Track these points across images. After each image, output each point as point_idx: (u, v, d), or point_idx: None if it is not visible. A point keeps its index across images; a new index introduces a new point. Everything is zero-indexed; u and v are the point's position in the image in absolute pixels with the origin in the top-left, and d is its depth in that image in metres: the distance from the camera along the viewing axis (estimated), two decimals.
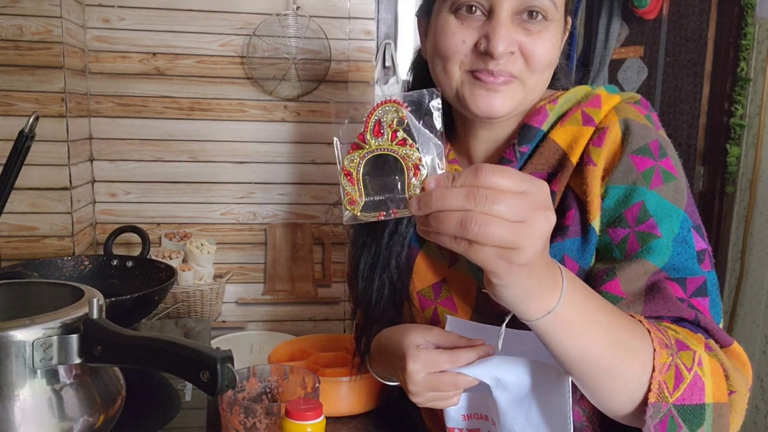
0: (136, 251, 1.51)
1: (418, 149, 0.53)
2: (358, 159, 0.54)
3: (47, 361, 0.68)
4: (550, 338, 0.58)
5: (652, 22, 2.56)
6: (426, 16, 0.79)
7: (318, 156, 1.80)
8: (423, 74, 0.83)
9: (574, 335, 0.58)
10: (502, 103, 0.73)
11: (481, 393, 0.74)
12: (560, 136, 0.75)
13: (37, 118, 1.07)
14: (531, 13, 0.71)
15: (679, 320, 0.68)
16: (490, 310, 0.78)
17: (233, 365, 0.64)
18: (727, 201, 2.27)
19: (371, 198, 0.54)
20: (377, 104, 0.54)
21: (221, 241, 1.79)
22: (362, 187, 0.54)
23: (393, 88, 2.82)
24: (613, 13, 2.67)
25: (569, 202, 0.74)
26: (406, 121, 0.53)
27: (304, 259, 1.84)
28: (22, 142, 1.06)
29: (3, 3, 1.44)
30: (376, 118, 0.53)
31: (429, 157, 0.53)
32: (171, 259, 1.65)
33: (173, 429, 0.97)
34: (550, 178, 0.75)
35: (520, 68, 0.72)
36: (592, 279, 0.73)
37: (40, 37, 1.46)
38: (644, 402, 0.61)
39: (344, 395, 1.06)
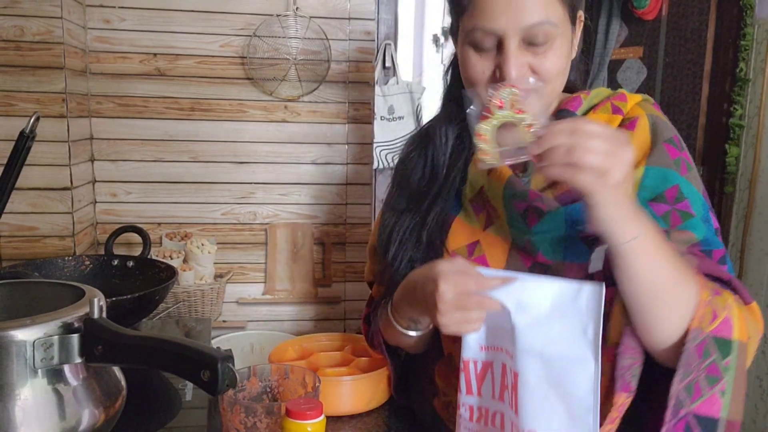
0: (137, 251, 1.52)
1: (528, 115, 0.74)
2: (489, 126, 0.76)
3: (48, 361, 0.68)
4: (632, 261, 0.72)
5: (652, 23, 2.57)
6: (452, 34, 0.92)
7: (318, 156, 1.80)
8: (457, 80, 0.95)
9: (651, 260, 0.72)
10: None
11: (499, 326, 0.80)
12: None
13: (37, 119, 1.07)
14: (536, 40, 0.82)
15: (714, 279, 0.81)
16: (521, 268, 0.88)
17: (234, 365, 0.64)
18: (726, 201, 2.27)
19: (500, 150, 0.75)
20: (498, 86, 0.77)
21: (222, 241, 1.79)
22: (493, 144, 0.76)
23: (393, 88, 2.82)
24: (612, 13, 2.67)
25: None
26: (518, 98, 0.75)
27: (304, 259, 1.84)
28: (23, 143, 1.07)
29: (3, 3, 1.45)
30: (499, 96, 0.76)
31: (537, 121, 0.74)
32: (171, 258, 1.66)
33: (174, 428, 0.98)
34: None
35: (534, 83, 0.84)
36: None
37: (41, 37, 1.46)
38: (686, 333, 0.74)
39: (344, 395, 1.06)
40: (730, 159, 2.21)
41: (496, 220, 0.92)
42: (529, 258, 0.89)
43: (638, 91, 2.63)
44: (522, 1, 0.80)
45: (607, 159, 0.67)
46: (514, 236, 0.90)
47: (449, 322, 0.79)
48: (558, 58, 0.84)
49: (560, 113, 0.91)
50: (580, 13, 0.88)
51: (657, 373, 0.80)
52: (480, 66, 0.85)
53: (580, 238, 0.84)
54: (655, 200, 0.85)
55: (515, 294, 0.78)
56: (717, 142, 2.29)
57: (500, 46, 0.82)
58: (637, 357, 0.79)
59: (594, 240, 0.78)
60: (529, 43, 0.82)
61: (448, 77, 1.02)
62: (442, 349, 0.96)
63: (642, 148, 0.87)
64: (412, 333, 0.92)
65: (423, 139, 1.03)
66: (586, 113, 0.91)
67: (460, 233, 0.94)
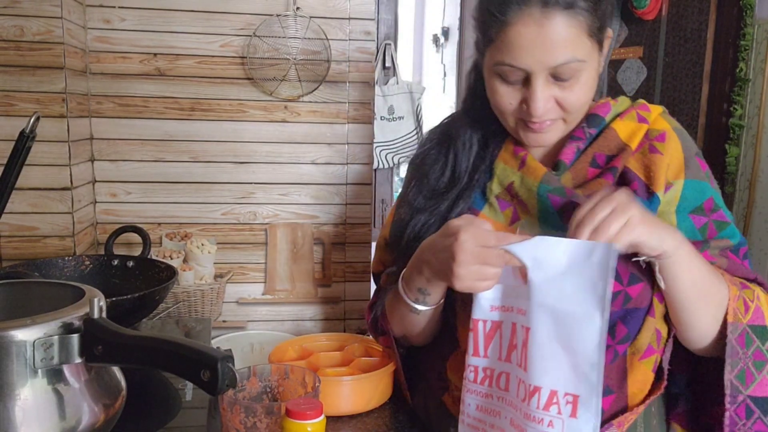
0: (137, 251, 1.52)
1: None
2: None
3: (48, 361, 0.68)
4: (675, 269, 0.81)
5: (652, 23, 2.57)
6: (478, 53, 0.93)
7: (318, 156, 1.80)
8: (482, 85, 0.95)
9: (689, 267, 0.81)
10: (549, 138, 0.92)
11: (511, 284, 0.82)
12: (620, 128, 0.93)
13: (38, 119, 1.07)
14: (563, 76, 0.84)
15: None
16: None
17: (234, 365, 0.64)
18: (726, 201, 2.27)
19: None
20: None
21: (222, 241, 1.79)
22: None
23: (393, 88, 2.82)
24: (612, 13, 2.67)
25: (630, 176, 0.91)
26: None
27: (304, 259, 1.84)
28: (23, 143, 1.07)
29: (4, 3, 1.45)
30: None
31: None
32: (171, 258, 1.66)
33: (174, 428, 0.98)
34: (611, 158, 0.92)
35: (558, 113, 0.88)
36: None
37: (41, 37, 1.46)
38: (723, 325, 0.83)
39: (344, 395, 1.06)
40: (730, 159, 2.22)
41: (524, 215, 0.93)
42: None
43: (638, 90, 2.63)
44: (550, 41, 0.81)
45: (619, 215, 0.76)
46: (542, 232, 0.90)
47: (466, 274, 0.80)
48: (584, 92, 0.87)
49: (590, 118, 0.94)
50: (609, 31, 0.89)
51: (701, 371, 0.93)
52: (507, 97, 0.87)
53: None
54: (695, 212, 0.91)
55: (532, 251, 0.79)
56: (717, 142, 2.29)
57: (527, 80, 0.85)
58: (669, 348, 0.90)
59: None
60: (556, 78, 0.84)
61: (470, 81, 1.02)
62: (456, 342, 0.97)
63: (676, 161, 0.92)
64: (420, 307, 0.92)
65: (443, 138, 1.03)
66: (613, 119, 0.94)
67: None
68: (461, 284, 0.81)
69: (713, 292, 0.84)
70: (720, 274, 0.86)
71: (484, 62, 0.90)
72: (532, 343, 0.79)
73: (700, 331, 0.86)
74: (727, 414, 0.84)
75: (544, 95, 0.84)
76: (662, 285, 0.83)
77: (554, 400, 0.78)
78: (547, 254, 0.79)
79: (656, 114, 0.96)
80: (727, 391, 0.83)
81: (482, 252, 0.79)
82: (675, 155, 0.91)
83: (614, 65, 2.73)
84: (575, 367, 0.78)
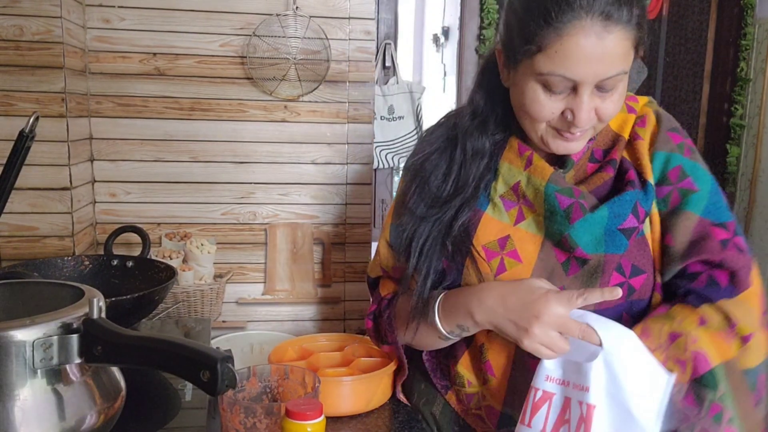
0: (137, 251, 1.51)
1: None
2: None
3: (47, 361, 0.68)
4: None
5: (652, 22, 2.56)
6: (507, 59, 0.91)
7: (318, 156, 1.80)
8: (497, 89, 0.96)
9: None
10: (577, 146, 0.91)
11: (574, 360, 0.81)
12: (612, 121, 0.94)
13: (37, 119, 1.07)
14: (606, 87, 0.84)
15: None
16: (553, 263, 0.92)
17: (233, 365, 0.64)
18: (726, 201, 2.27)
19: None
20: None
21: (221, 241, 1.79)
22: None
23: (393, 88, 2.82)
24: None
25: (626, 166, 0.92)
26: None
27: (304, 259, 1.84)
28: (23, 142, 1.06)
29: (3, 3, 1.44)
30: None
31: None
32: (171, 259, 1.66)
33: (173, 428, 0.98)
34: (608, 151, 0.94)
35: (594, 122, 0.88)
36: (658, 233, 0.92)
37: (41, 37, 1.46)
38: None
39: (344, 395, 1.06)
40: (731, 159, 2.21)
41: (530, 215, 0.93)
42: (564, 253, 0.91)
43: (639, 90, 2.63)
44: (607, 55, 0.80)
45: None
46: (549, 231, 0.91)
47: (542, 337, 0.81)
48: (620, 102, 0.87)
49: None
50: (640, 49, 0.89)
51: None
52: (549, 107, 0.86)
53: (619, 230, 0.87)
54: (660, 183, 0.91)
55: (611, 333, 0.79)
56: (717, 141, 2.29)
57: (573, 89, 0.84)
58: None
59: (632, 230, 0.87)
60: (600, 88, 0.84)
61: (482, 84, 1.01)
62: (471, 339, 0.97)
63: (651, 139, 0.93)
64: (453, 338, 0.94)
65: (447, 139, 1.01)
66: None
67: (489, 229, 0.95)
68: (531, 345, 0.82)
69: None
70: (654, 360, 0.82)
71: (521, 68, 0.87)
72: (597, 420, 0.78)
73: None
74: None
75: (589, 106, 0.84)
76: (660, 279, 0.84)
77: None
78: (621, 342, 0.79)
79: (642, 103, 0.98)
80: None
81: (567, 322, 0.80)
82: (650, 134, 0.93)
83: None
84: None
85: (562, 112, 0.86)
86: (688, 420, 0.78)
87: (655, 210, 0.91)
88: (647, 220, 0.91)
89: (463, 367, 0.98)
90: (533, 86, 0.85)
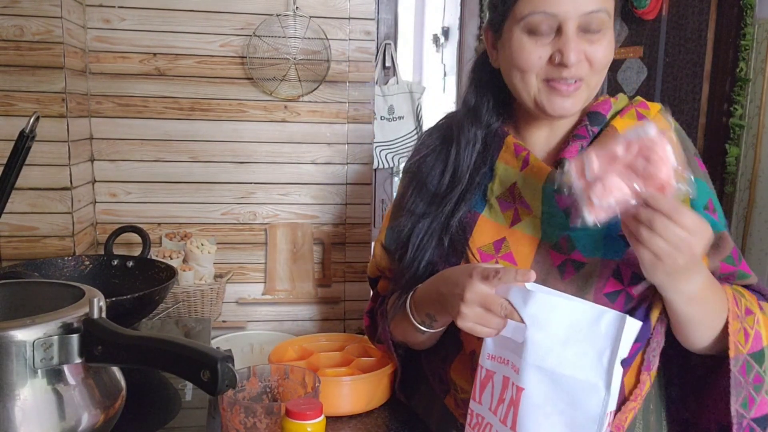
0: (137, 251, 1.52)
1: (681, 179, 0.75)
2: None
3: (48, 361, 0.68)
4: (677, 305, 0.82)
5: (652, 23, 2.56)
6: (493, 31, 0.93)
7: (318, 156, 1.80)
8: (488, 77, 0.98)
9: (694, 305, 0.82)
10: (573, 105, 0.89)
11: (510, 338, 0.80)
12: (621, 126, 0.93)
13: (37, 119, 1.07)
14: (591, 27, 0.84)
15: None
16: (549, 265, 0.90)
17: (233, 365, 0.64)
18: (726, 201, 2.27)
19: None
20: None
21: (221, 241, 1.79)
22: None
23: (393, 88, 2.82)
24: None
25: None
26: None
27: (304, 259, 1.84)
28: (23, 143, 1.06)
29: (3, 3, 1.45)
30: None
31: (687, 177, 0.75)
32: (171, 259, 1.66)
33: (174, 428, 0.98)
34: None
35: (586, 71, 0.86)
36: None
37: (41, 37, 1.46)
38: (718, 341, 0.86)
39: (344, 395, 1.06)
40: (730, 159, 2.21)
41: (526, 216, 0.93)
42: (560, 255, 0.90)
43: (638, 91, 2.63)
44: None
45: (672, 250, 0.73)
46: (546, 233, 0.91)
47: (470, 315, 0.80)
48: (609, 48, 0.87)
49: (592, 116, 0.94)
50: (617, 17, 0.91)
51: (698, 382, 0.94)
52: (537, 52, 0.86)
53: (619, 235, 0.86)
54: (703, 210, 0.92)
55: (534, 308, 0.77)
56: (717, 142, 2.29)
57: (558, 31, 0.84)
58: (660, 342, 0.89)
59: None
60: (585, 30, 0.84)
61: (475, 75, 1.01)
62: (460, 345, 0.97)
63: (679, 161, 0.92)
64: (425, 329, 0.93)
65: (443, 138, 1.02)
66: (613, 117, 0.95)
67: (485, 231, 0.95)
68: (463, 324, 0.81)
69: (716, 319, 0.85)
70: (724, 304, 0.86)
71: (506, 26, 0.88)
72: (524, 404, 0.77)
73: (696, 342, 0.88)
74: None
75: (576, 45, 0.84)
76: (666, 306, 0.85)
77: None
78: (549, 314, 0.76)
79: (655, 111, 0.96)
80: (734, 420, 0.85)
81: (488, 297, 0.79)
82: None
83: (614, 65, 2.73)
84: None
85: (551, 58, 0.86)
86: (739, 386, 0.85)
87: None
88: None
89: (456, 373, 0.98)
90: (519, 36, 0.87)
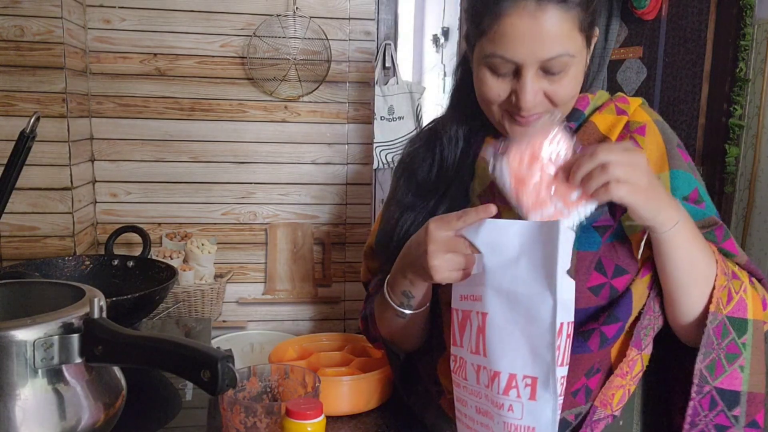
0: (137, 251, 1.52)
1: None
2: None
3: (48, 361, 0.68)
4: (673, 245, 0.81)
5: (651, 23, 2.56)
6: (467, 46, 0.92)
7: (318, 156, 1.80)
8: (469, 78, 0.95)
9: (689, 245, 0.82)
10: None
11: (476, 274, 0.82)
12: (600, 121, 0.93)
13: (38, 119, 1.07)
14: (553, 70, 0.84)
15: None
16: None
17: (234, 365, 0.64)
18: (725, 201, 2.27)
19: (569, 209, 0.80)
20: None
21: (222, 241, 1.80)
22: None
23: (393, 88, 2.82)
24: (612, 13, 2.67)
25: None
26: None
27: (304, 259, 1.84)
28: (24, 143, 1.07)
29: (4, 3, 1.45)
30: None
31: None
32: (172, 258, 1.66)
33: (174, 428, 0.98)
34: None
35: (547, 107, 0.86)
36: None
37: (41, 37, 1.47)
38: (705, 312, 0.84)
39: (344, 394, 1.06)
40: (730, 159, 2.21)
41: (506, 213, 0.92)
42: None
43: (638, 91, 2.63)
44: (542, 34, 0.81)
45: (629, 168, 0.75)
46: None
47: (441, 264, 0.80)
48: (572, 85, 0.86)
49: (570, 112, 0.93)
50: (596, 30, 0.90)
51: (680, 356, 0.90)
52: (496, 89, 0.87)
53: (593, 227, 0.86)
54: (684, 200, 0.91)
55: (486, 235, 0.79)
56: (717, 142, 2.29)
57: (517, 72, 0.84)
58: (653, 320, 0.89)
59: (606, 228, 0.88)
60: (546, 71, 0.84)
61: (457, 76, 1.02)
62: (444, 345, 0.97)
63: (658, 152, 0.92)
64: (406, 311, 0.92)
65: (430, 137, 1.03)
66: (592, 113, 0.94)
67: None
68: (438, 276, 0.81)
69: (704, 269, 0.85)
70: (712, 254, 0.86)
71: (474, 54, 0.89)
72: (489, 328, 0.79)
73: (687, 307, 0.86)
74: (691, 404, 0.85)
75: (533, 88, 0.84)
76: (659, 260, 0.84)
77: (513, 384, 0.77)
78: (499, 238, 0.79)
79: (635, 106, 0.96)
80: (695, 380, 0.84)
81: (450, 240, 0.80)
82: (655, 148, 0.92)
83: (614, 65, 2.73)
84: (532, 350, 0.77)
85: (510, 95, 0.86)
86: (710, 345, 0.83)
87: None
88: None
89: (442, 375, 0.98)
90: (482, 70, 0.87)
